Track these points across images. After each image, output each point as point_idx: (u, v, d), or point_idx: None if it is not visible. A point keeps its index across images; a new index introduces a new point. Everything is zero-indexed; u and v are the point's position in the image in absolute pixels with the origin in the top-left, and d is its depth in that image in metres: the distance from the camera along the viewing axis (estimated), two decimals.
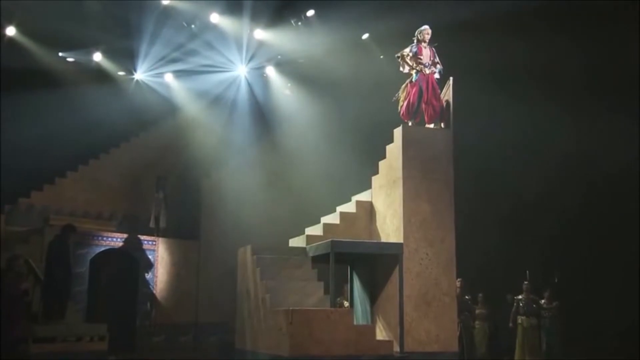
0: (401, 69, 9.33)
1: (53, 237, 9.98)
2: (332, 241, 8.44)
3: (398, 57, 9.30)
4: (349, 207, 9.73)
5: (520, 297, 11.68)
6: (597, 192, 12.26)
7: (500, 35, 12.26)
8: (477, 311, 12.11)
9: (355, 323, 8.51)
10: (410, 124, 9.20)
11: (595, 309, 11.76)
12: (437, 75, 9.27)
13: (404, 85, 9.35)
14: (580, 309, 11.83)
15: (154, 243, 13.90)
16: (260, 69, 16.18)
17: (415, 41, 9.30)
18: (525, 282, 11.70)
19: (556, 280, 12.23)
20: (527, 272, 11.87)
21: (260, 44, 15.21)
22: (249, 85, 16.32)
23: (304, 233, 9.72)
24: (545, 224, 12.85)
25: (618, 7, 11.62)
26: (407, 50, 9.28)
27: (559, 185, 12.63)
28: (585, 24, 12.00)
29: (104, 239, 13.09)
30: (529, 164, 13.12)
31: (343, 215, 9.57)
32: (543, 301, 11.63)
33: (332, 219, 9.70)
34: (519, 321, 11.59)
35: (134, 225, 14.40)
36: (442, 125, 9.24)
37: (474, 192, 12.24)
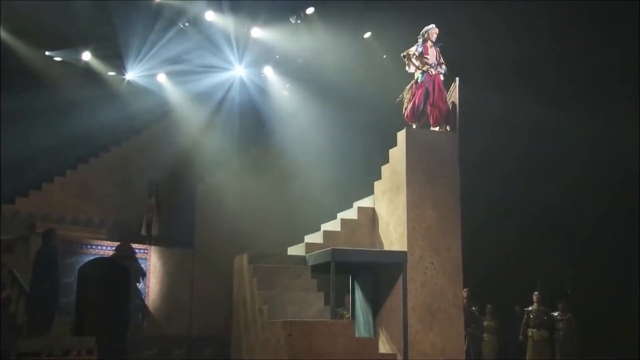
0: (407, 68, 9.36)
1: (41, 246, 9.98)
2: (332, 249, 8.46)
3: (404, 56, 9.33)
4: (351, 214, 9.75)
5: (530, 308, 11.69)
6: (611, 197, 12.28)
7: (508, 33, 12.31)
8: (485, 323, 12.12)
9: (357, 335, 8.53)
10: (414, 126, 9.24)
11: (611, 321, 11.74)
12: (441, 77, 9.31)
13: (408, 86, 9.38)
14: (596, 321, 11.81)
15: (146, 251, 13.90)
16: (257, 69, 16.23)
17: (421, 40, 9.33)
18: (536, 293, 11.70)
19: (569, 291, 12.22)
20: (538, 282, 11.87)
21: (258, 43, 15.26)
22: (246, 86, 16.36)
23: (303, 241, 9.74)
24: (557, 230, 12.86)
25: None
26: (413, 50, 9.31)
27: (571, 190, 12.65)
28: (601, 18, 12.04)
29: (94, 247, 13.09)
30: (538, 168, 13.14)
31: (344, 222, 9.59)
32: (557, 313, 11.62)
33: (333, 225, 9.72)
34: (530, 334, 11.60)
35: (125, 233, 14.39)
36: (448, 128, 9.27)
37: (481, 197, 12.26)
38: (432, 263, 8.65)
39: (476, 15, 12.44)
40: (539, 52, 12.60)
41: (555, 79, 12.68)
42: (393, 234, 8.95)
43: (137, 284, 13.65)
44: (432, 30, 9.29)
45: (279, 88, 16.49)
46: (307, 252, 9.26)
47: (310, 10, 14.45)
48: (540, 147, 13.15)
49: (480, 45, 12.19)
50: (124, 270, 13.56)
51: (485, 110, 11.94)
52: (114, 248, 13.34)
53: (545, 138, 12.94)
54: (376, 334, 8.99)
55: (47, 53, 14.83)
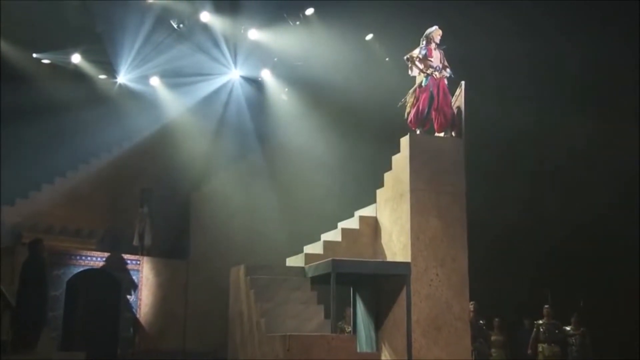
0: (410, 72, 9.38)
1: (27, 257, 9.97)
2: (333, 260, 8.45)
3: (407, 59, 9.36)
4: (352, 223, 9.75)
5: (540, 322, 11.64)
6: (625, 204, 12.27)
7: (516, 35, 12.34)
8: (492, 337, 12.08)
9: (358, 350, 8.50)
10: (418, 132, 9.25)
11: (627, 336, 11.70)
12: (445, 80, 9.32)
13: (412, 90, 9.40)
14: (611, 335, 11.76)
15: (138, 262, 13.91)
16: (254, 72, 16.26)
17: (424, 42, 9.36)
18: (546, 306, 11.66)
19: (582, 304, 12.18)
20: (549, 294, 11.83)
21: (255, 45, 15.30)
22: (243, 90, 16.39)
23: (302, 251, 9.75)
24: (568, 240, 12.83)
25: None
26: (416, 52, 9.34)
27: (584, 197, 12.64)
28: (615, 18, 12.07)
29: (83, 258, 13.10)
30: (549, 174, 13.14)
31: (345, 231, 9.59)
32: (569, 327, 11.56)
33: (333, 235, 9.72)
34: (540, 349, 11.54)
35: (116, 243, 14.42)
36: (453, 134, 9.28)
37: (488, 206, 12.27)
38: (437, 274, 8.64)
39: (483, 16, 12.48)
40: (549, 54, 12.63)
41: (566, 81, 12.69)
42: (396, 244, 8.95)
43: (128, 296, 13.63)
44: (436, 31, 9.30)
45: (278, 92, 16.52)
46: (306, 263, 9.26)
47: (309, 11, 14.48)
48: (550, 152, 13.15)
49: (487, 47, 12.22)
50: (115, 282, 13.55)
51: (492, 115, 11.96)
52: (104, 259, 13.36)
53: (557, 143, 12.94)
54: (379, 348, 8.97)
55: (34, 55, 14.85)
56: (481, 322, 11.80)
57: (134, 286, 13.70)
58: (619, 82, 12.17)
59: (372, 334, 9.19)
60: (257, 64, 15.99)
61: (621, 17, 11.86)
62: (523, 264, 13.06)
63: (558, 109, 12.45)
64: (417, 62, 9.24)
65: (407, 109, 9.39)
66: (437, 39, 9.31)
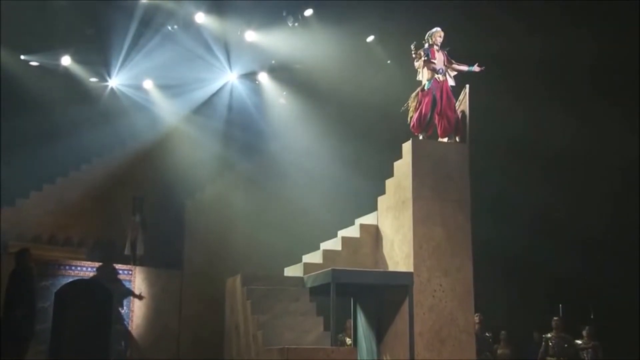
0: (418, 76, 9.43)
1: (14, 267, 9.98)
2: (332, 270, 8.48)
3: (414, 52, 9.38)
4: (352, 232, 9.79)
5: (549, 335, 11.65)
6: (638, 214, 12.29)
7: (523, 34, 12.39)
8: (499, 351, 12.11)
9: None
10: (421, 137, 9.30)
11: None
12: (451, 83, 9.37)
13: (414, 94, 9.45)
14: (626, 349, 11.75)
15: (130, 273, 13.90)
16: (251, 75, 16.32)
17: (426, 45, 9.42)
18: (555, 319, 11.67)
19: (592, 317, 12.19)
20: (560, 306, 11.83)
21: (252, 47, 15.36)
22: (239, 93, 16.44)
23: (301, 261, 9.78)
24: (578, 248, 12.84)
25: None
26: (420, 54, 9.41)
27: (595, 203, 12.65)
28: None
29: (73, 268, 13.10)
30: (557, 180, 13.16)
31: (345, 240, 9.62)
32: (581, 341, 11.55)
33: (333, 244, 9.75)
34: None
35: (107, 253, 14.40)
36: (457, 139, 9.33)
37: (494, 213, 12.30)
38: (441, 285, 8.67)
39: (489, 15, 12.53)
40: (558, 53, 12.66)
41: (579, 81, 12.72)
42: (398, 254, 8.98)
43: (120, 308, 13.63)
44: (436, 33, 9.35)
45: (276, 96, 16.57)
46: (305, 273, 9.29)
47: (308, 12, 14.54)
48: (561, 157, 13.16)
49: (491, 48, 12.27)
50: (106, 293, 13.54)
51: (498, 119, 12.01)
52: (94, 269, 13.35)
53: (569, 147, 12.94)
54: None
55: (22, 57, 14.90)
56: (487, 334, 11.82)
57: (129, 294, 13.66)
58: (630, 83, 12.20)
59: (374, 346, 9.22)
60: (255, 67, 16.04)
61: (626, 16, 11.91)
62: (532, 275, 13.07)
63: (567, 113, 12.48)
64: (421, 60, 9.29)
65: (410, 114, 9.44)
66: (439, 40, 9.36)
